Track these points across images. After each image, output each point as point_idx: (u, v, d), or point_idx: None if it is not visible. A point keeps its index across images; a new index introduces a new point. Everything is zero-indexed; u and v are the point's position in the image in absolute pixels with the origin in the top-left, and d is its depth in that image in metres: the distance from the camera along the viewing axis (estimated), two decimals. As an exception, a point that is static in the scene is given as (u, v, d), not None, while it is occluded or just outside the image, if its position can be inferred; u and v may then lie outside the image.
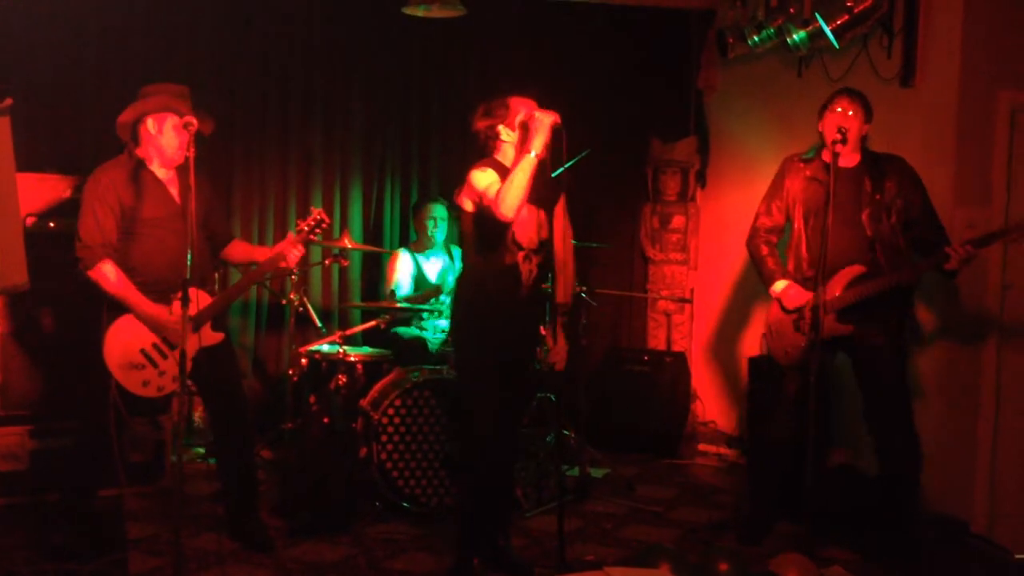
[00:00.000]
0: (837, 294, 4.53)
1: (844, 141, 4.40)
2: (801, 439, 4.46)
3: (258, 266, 4.48)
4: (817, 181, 4.63)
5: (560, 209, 4.28)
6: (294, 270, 5.50)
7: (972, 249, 4.32)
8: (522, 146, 4.02)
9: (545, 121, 3.96)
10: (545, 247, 4.22)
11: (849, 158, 4.59)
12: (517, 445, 4.62)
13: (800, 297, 4.65)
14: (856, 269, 4.53)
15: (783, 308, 4.73)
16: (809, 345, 4.47)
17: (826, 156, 4.56)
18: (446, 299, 6.12)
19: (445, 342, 5.98)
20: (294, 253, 4.41)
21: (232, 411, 4.48)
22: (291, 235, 4.47)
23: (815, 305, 4.40)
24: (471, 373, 4.26)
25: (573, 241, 5.25)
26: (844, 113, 4.53)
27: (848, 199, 4.54)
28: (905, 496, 4.63)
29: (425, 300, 5.95)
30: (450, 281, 6.17)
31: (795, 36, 5.59)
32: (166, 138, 4.25)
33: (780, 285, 4.74)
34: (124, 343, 4.21)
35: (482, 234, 4.18)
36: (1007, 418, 5.05)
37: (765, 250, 4.82)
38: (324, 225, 4.48)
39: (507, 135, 4.15)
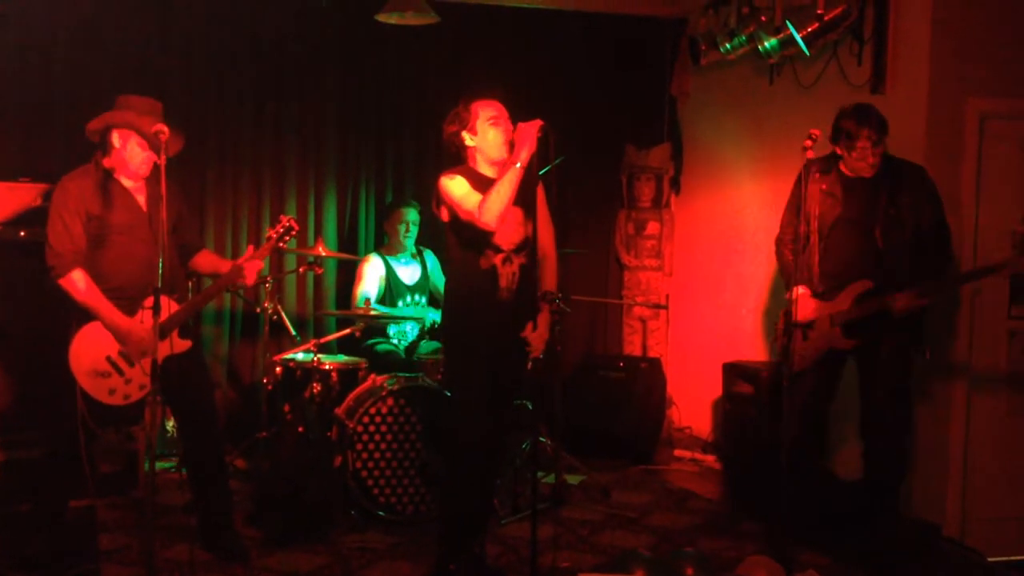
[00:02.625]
0: (845, 308, 4.56)
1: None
2: (810, 443, 4.61)
3: (218, 279, 4.45)
4: (833, 196, 4.62)
5: (540, 197, 4.28)
6: (263, 282, 5.50)
7: (913, 304, 4.38)
8: (509, 157, 4.04)
9: (529, 132, 3.98)
10: (528, 244, 4.23)
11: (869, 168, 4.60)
12: (501, 452, 4.62)
13: (807, 310, 4.65)
14: (864, 284, 4.55)
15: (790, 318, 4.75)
16: (812, 352, 4.49)
17: (847, 169, 4.59)
18: (422, 300, 6.14)
19: (413, 346, 5.97)
20: (253, 266, 4.39)
21: (201, 420, 4.46)
22: (251, 249, 4.43)
23: (788, 309, 4.43)
24: (458, 379, 4.27)
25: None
26: (870, 149, 4.47)
27: (862, 212, 4.55)
28: (884, 503, 4.66)
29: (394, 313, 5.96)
30: (427, 284, 6.17)
31: (766, 43, 5.63)
32: (129, 153, 4.26)
33: (798, 291, 4.72)
34: (90, 351, 4.19)
35: (459, 240, 4.20)
36: (979, 423, 5.09)
37: (790, 258, 4.82)
38: (294, 232, 4.48)
39: (471, 140, 4.19)
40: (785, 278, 4.89)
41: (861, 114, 4.50)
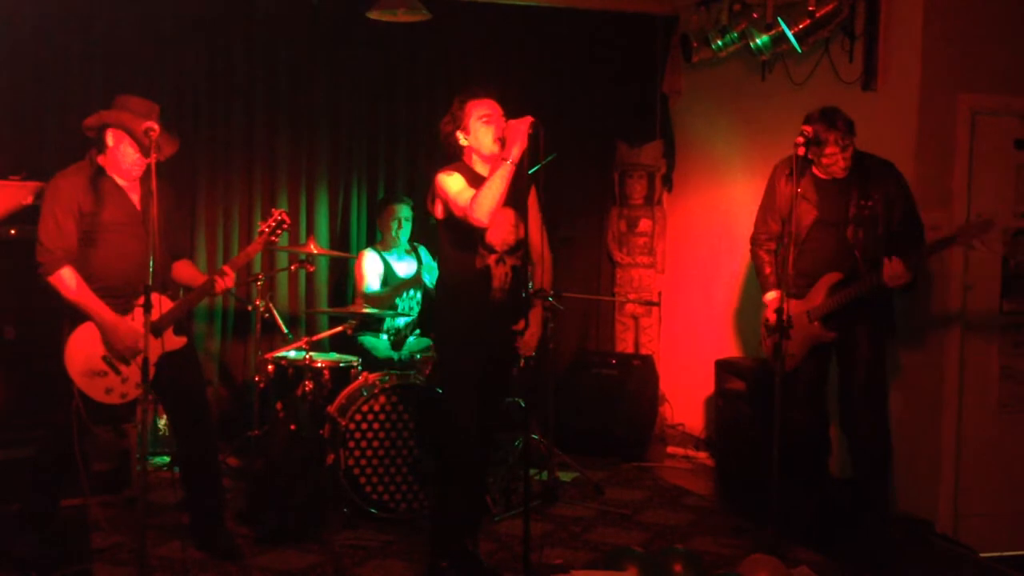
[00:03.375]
0: (819, 302, 4.61)
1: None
2: (818, 435, 4.72)
3: (195, 290, 4.43)
4: (807, 200, 4.65)
5: (533, 199, 4.31)
6: (254, 280, 5.50)
7: (900, 271, 4.38)
8: (500, 153, 4.05)
9: (520, 128, 3.99)
10: (521, 246, 4.24)
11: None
12: (492, 449, 4.62)
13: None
14: (835, 276, 4.60)
15: (766, 324, 4.81)
16: (776, 348, 4.51)
17: (818, 172, 4.64)
18: (417, 295, 6.12)
19: (402, 339, 5.95)
20: (224, 282, 4.34)
21: (195, 418, 4.45)
22: (227, 269, 4.39)
23: (779, 308, 4.45)
24: (449, 376, 4.28)
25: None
26: (840, 152, 4.51)
27: (836, 213, 4.61)
28: (873, 496, 4.68)
29: (397, 294, 5.95)
30: (424, 278, 6.15)
31: (758, 40, 5.63)
32: (121, 154, 4.24)
33: (770, 296, 4.85)
34: (86, 350, 4.18)
35: (453, 239, 4.21)
36: (971, 419, 5.10)
37: (765, 258, 4.93)
38: (285, 225, 4.47)
39: (464, 139, 4.21)
40: (760, 278, 4.96)
41: (827, 119, 4.53)
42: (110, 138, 4.24)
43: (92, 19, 6.04)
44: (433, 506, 4.54)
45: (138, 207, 4.31)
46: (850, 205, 4.58)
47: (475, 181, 4.11)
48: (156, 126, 3.89)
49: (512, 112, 4.14)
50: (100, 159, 4.28)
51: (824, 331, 4.63)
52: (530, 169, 4.20)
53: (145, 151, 4.05)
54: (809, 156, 4.60)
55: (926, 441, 5.08)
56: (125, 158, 4.25)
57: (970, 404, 5.11)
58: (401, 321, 6.05)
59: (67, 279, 4.15)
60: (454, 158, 4.26)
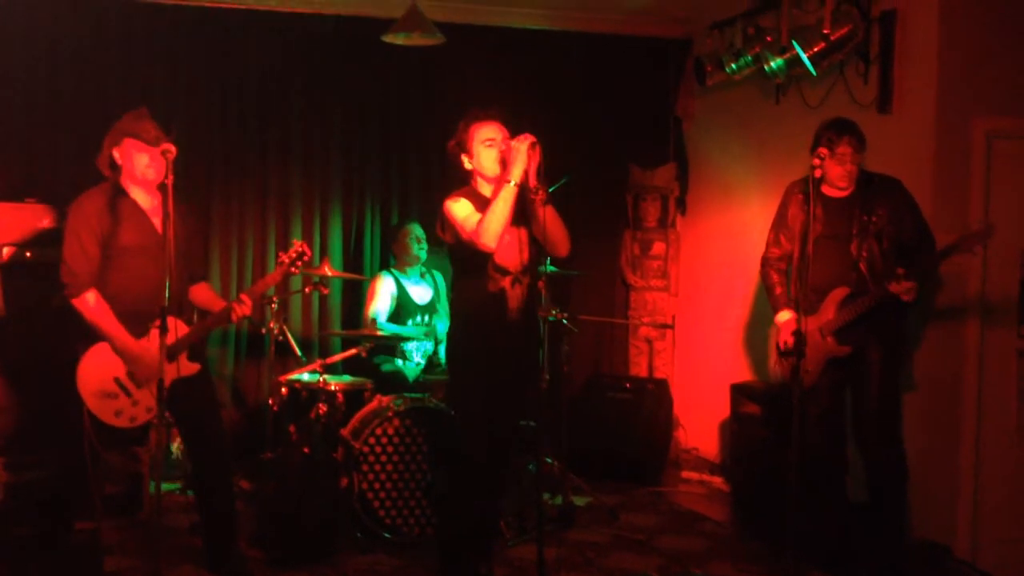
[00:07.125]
0: (830, 317, 4.60)
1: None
2: (834, 456, 4.70)
3: (211, 315, 4.45)
4: (813, 217, 4.66)
5: (550, 211, 4.18)
6: (268, 302, 5.50)
7: (907, 284, 4.38)
8: (502, 175, 4.06)
9: (521, 148, 3.99)
10: (533, 265, 4.23)
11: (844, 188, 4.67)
12: (505, 473, 4.60)
13: (791, 336, 4.66)
14: (842, 291, 4.60)
15: (781, 347, 4.82)
16: (795, 369, 4.49)
17: (825, 189, 4.65)
18: (435, 322, 6.10)
19: (426, 370, 5.96)
20: (242, 310, 4.37)
21: (209, 442, 4.44)
22: (243, 295, 4.41)
23: (798, 329, 4.43)
24: (463, 398, 4.28)
25: (552, 268, 5.27)
26: (850, 155, 4.55)
27: (841, 228, 4.62)
28: (889, 520, 4.63)
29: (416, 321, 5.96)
30: (437, 304, 6.15)
31: (772, 63, 5.63)
32: (135, 162, 4.25)
33: (783, 317, 4.84)
34: (98, 372, 4.18)
35: (464, 264, 4.21)
36: (989, 442, 5.06)
37: (775, 279, 4.94)
38: (306, 257, 4.49)
39: (469, 163, 4.23)
40: (771, 299, 4.96)
41: (842, 122, 4.62)
42: (118, 156, 4.26)
43: (106, 46, 6.09)
44: (440, 526, 4.52)
45: (159, 230, 4.30)
46: (853, 220, 4.60)
47: (482, 205, 4.11)
48: (172, 147, 3.91)
49: (524, 134, 4.10)
50: (120, 180, 4.30)
51: (838, 346, 4.62)
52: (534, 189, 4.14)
53: (156, 146, 4.06)
54: (817, 163, 4.60)
55: (944, 465, 5.03)
56: (138, 164, 4.25)
57: (988, 427, 5.06)
58: (417, 346, 6.04)
59: (91, 302, 4.16)
60: (464, 180, 4.27)
